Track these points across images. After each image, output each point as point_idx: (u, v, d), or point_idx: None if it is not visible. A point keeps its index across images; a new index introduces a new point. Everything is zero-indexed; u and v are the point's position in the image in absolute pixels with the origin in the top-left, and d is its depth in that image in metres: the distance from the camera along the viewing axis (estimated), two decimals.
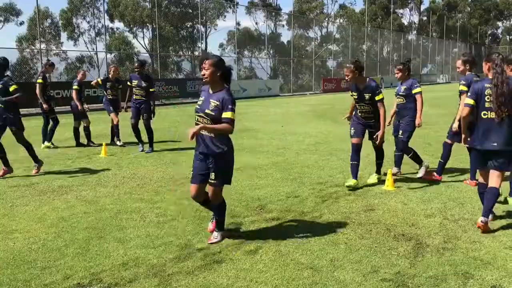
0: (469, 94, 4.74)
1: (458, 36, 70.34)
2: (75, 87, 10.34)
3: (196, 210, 5.34)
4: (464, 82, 6.29)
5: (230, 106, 4.06)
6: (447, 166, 7.26)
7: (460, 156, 8.48)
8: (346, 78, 6.13)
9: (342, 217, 5.06)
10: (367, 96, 6.06)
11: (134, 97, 9.36)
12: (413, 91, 6.66)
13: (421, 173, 6.85)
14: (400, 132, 6.73)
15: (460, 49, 71.03)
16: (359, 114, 6.31)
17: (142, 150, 9.35)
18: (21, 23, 33.29)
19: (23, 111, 19.86)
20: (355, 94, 6.20)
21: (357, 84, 6.16)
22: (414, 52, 59.18)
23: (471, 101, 4.63)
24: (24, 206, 5.63)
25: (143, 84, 9.19)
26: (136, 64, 9.56)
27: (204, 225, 4.83)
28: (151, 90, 9.37)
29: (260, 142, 10.49)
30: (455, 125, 6.29)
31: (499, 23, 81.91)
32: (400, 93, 6.81)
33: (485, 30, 79.96)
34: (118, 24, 38.06)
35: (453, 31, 70.18)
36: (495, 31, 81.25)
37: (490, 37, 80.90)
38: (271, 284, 3.50)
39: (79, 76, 10.51)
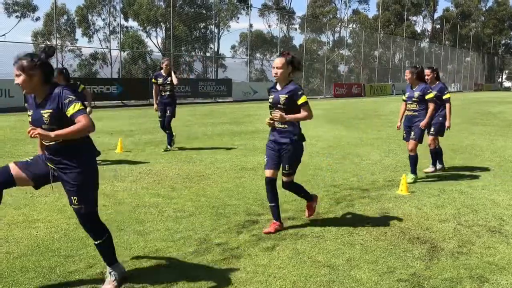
0: None
1: (471, 45, 70.04)
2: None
3: (213, 207, 5.44)
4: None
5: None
6: (460, 174, 7.33)
7: (473, 163, 8.53)
8: (406, 78, 6.97)
9: (357, 219, 5.13)
10: (416, 94, 6.82)
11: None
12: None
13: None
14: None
15: (473, 59, 70.81)
16: (407, 113, 6.99)
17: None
18: (37, 19, 33.67)
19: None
20: (407, 94, 6.99)
21: (412, 86, 6.94)
22: (426, 60, 59.02)
23: None
24: (43, 197, 5.76)
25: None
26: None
27: (221, 221, 4.93)
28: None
29: None
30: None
31: None
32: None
33: (499, 40, 79.55)
34: (132, 23, 38.40)
35: (466, 40, 69.95)
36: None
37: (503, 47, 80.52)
38: (289, 280, 3.58)
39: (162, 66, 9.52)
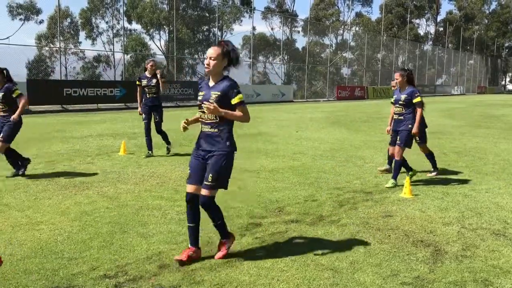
0: None
1: (474, 48, 69.92)
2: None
3: None
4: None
5: None
6: (464, 177, 7.29)
7: (477, 166, 8.50)
8: (396, 80, 6.84)
9: (360, 222, 5.12)
10: (403, 97, 6.75)
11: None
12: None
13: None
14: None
15: (476, 61, 70.70)
16: (394, 116, 6.95)
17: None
18: (41, 22, 33.77)
19: (41, 108, 20.14)
20: (394, 96, 6.94)
21: (401, 89, 6.87)
22: (429, 63, 58.97)
23: None
24: (47, 200, 5.77)
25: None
26: None
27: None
28: None
29: (276, 147, 10.57)
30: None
31: None
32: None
33: (502, 43, 79.39)
34: (136, 26, 38.47)
35: (469, 43, 69.84)
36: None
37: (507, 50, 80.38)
38: (293, 283, 3.57)
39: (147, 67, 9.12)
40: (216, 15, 34.88)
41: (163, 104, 9.38)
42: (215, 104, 3.74)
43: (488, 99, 43.21)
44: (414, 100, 6.68)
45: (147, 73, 9.08)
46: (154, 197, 6.00)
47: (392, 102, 7.03)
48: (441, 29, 70.58)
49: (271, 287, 3.50)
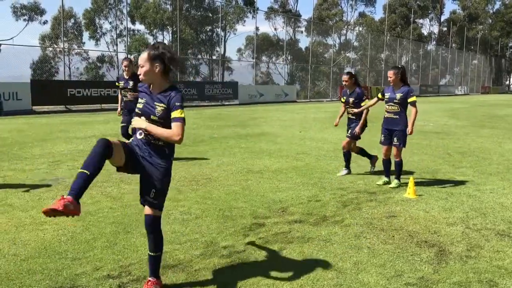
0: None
1: (478, 48, 69.72)
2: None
3: (219, 210, 5.44)
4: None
5: None
6: (468, 177, 7.25)
7: (481, 167, 8.47)
8: (389, 79, 6.75)
9: (364, 223, 5.10)
10: (398, 96, 6.64)
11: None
12: None
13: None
14: None
15: (480, 61, 70.49)
16: (387, 115, 6.83)
17: None
18: (45, 22, 33.87)
19: (44, 108, 20.17)
20: (387, 94, 6.81)
21: (394, 87, 6.75)
22: (433, 63, 58.82)
23: None
24: (51, 200, 5.77)
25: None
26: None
27: (228, 224, 4.92)
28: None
29: (279, 147, 10.56)
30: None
31: None
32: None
33: (506, 43, 79.13)
34: (139, 26, 38.57)
35: (473, 43, 69.63)
36: None
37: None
38: (296, 283, 3.56)
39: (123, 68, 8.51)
40: (220, 15, 34.91)
41: None
42: (147, 124, 3.25)
43: (492, 99, 43.08)
44: (410, 100, 6.61)
45: (124, 74, 8.40)
46: None
47: (379, 98, 7.07)
48: (445, 29, 70.38)
49: (275, 287, 3.50)
